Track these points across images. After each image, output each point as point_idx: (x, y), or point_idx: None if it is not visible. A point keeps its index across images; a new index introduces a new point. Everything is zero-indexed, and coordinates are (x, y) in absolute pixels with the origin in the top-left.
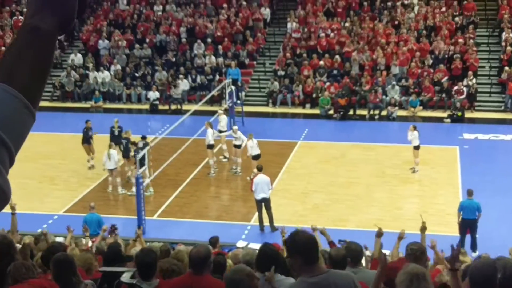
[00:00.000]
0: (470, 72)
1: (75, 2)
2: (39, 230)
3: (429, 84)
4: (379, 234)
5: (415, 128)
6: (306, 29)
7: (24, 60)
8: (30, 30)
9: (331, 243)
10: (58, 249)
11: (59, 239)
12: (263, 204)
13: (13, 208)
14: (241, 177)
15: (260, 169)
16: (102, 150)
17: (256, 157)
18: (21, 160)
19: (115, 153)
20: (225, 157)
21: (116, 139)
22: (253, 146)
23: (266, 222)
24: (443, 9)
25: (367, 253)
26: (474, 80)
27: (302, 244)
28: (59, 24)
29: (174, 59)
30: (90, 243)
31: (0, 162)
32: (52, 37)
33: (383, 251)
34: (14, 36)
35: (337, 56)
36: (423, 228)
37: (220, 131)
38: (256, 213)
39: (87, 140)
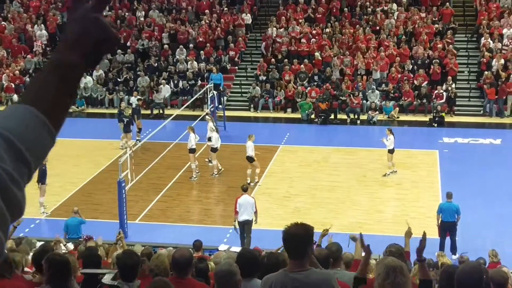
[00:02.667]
0: (449, 77)
1: (105, 43)
2: (21, 234)
3: (409, 88)
4: (354, 239)
5: (390, 131)
6: (287, 34)
7: (49, 88)
8: (56, 62)
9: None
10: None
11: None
12: (244, 227)
13: (18, 222)
14: (220, 180)
15: (245, 190)
16: None
17: (251, 159)
18: None
19: None
20: (210, 161)
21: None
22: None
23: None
24: (423, 15)
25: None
26: (453, 85)
27: (285, 237)
28: (85, 60)
29: (156, 65)
30: (72, 247)
31: (19, 176)
32: (77, 71)
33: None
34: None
35: (317, 53)
36: (408, 233)
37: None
38: None
39: None
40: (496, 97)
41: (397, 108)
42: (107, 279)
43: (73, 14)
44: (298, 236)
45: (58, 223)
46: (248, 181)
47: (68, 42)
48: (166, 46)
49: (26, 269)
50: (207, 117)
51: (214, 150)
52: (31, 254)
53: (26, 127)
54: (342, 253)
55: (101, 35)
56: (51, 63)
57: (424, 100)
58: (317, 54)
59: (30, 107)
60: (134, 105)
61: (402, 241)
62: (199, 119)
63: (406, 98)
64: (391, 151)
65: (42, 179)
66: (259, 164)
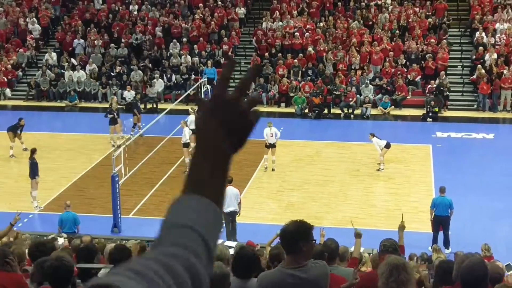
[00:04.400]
0: (442, 72)
1: (250, 130)
2: (15, 229)
3: (403, 83)
4: (358, 235)
5: (373, 135)
6: (281, 28)
7: (216, 180)
8: (223, 154)
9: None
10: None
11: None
12: (230, 217)
13: (15, 219)
14: None
15: (229, 181)
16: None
17: (271, 146)
18: None
19: None
20: None
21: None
22: (270, 135)
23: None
24: (416, 9)
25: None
26: (446, 79)
27: (283, 234)
28: (232, 148)
29: (150, 65)
30: (66, 242)
31: (209, 275)
32: (230, 160)
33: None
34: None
35: (310, 49)
36: (402, 227)
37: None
38: None
39: (13, 129)
40: (489, 91)
41: (392, 106)
42: (103, 274)
43: (216, 102)
44: (289, 232)
45: (52, 217)
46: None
47: (219, 134)
48: (159, 40)
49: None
50: (190, 109)
51: None
52: (27, 249)
53: (212, 225)
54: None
55: (245, 124)
56: (215, 151)
57: (430, 94)
58: (310, 49)
59: (210, 201)
60: (131, 99)
61: (394, 235)
62: (191, 113)
63: (400, 93)
64: (387, 146)
65: (33, 173)
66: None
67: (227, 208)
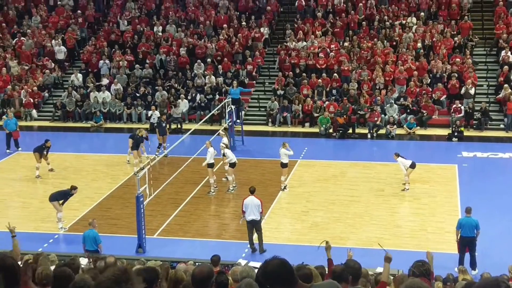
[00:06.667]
0: (469, 81)
1: None
2: (40, 250)
3: (430, 102)
4: (388, 259)
5: (398, 155)
6: (305, 48)
7: None
8: None
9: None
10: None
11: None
12: (253, 226)
13: (11, 231)
14: (238, 195)
15: (252, 192)
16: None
17: (283, 165)
18: (23, 180)
19: None
20: (227, 178)
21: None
22: (284, 154)
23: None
24: (441, 27)
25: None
26: (471, 89)
27: (276, 273)
28: None
29: (176, 85)
30: (86, 261)
31: None
32: None
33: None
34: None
35: (335, 74)
36: (388, 258)
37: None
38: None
39: (39, 150)
40: None
41: (418, 127)
42: None
43: None
44: (283, 265)
45: (77, 238)
46: (282, 187)
47: None
48: (183, 60)
49: None
50: (221, 132)
51: (232, 165)
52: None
53: None
54: (374, 273)
55: None
56: None
57: (462, 115)
58: (335, 74)
59: None
60: (156, 120)
61: (420, 256)
62: (216, 134)
63: (425, 112)
64: (412, 166)
65: (57, 198)
66: (286, 171)
67: (247, 217)
